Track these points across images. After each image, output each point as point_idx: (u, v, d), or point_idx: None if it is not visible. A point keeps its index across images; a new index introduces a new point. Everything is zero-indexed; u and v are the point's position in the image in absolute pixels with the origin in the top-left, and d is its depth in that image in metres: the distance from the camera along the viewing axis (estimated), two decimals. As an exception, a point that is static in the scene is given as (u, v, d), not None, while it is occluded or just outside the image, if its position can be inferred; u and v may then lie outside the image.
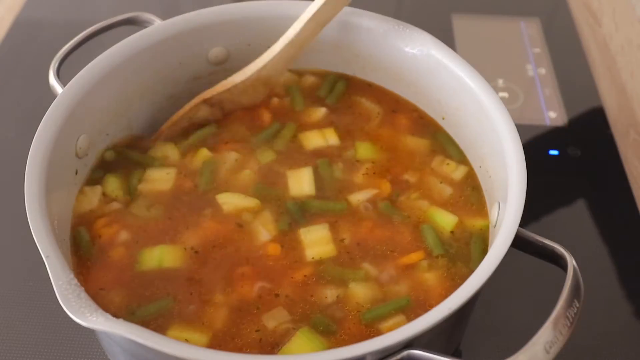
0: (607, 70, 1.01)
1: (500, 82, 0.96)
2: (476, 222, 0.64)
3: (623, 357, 0.69)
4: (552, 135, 0.90)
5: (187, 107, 0.72)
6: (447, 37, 0.94)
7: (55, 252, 0.52)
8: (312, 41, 0.72)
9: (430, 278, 0.59)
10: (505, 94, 0.95)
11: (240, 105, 0.73)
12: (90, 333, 0.67)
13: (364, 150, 0.70)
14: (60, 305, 0.49)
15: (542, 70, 0.98)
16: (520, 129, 0.61)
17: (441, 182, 0.67)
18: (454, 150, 0.70)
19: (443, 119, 0.71)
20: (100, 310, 0.49)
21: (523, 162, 0.58)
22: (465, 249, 0.62)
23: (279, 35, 0.72)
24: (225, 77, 0.73)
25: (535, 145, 0.89)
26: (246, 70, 0.72)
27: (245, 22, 0.73)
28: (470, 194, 0.66)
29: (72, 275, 0.51)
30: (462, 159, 0.69)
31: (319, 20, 0.70)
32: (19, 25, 1.05)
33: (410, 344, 0.49)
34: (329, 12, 0.69)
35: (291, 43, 0.70)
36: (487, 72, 0.90)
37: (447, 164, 0.68)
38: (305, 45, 0.72)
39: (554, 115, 0.92)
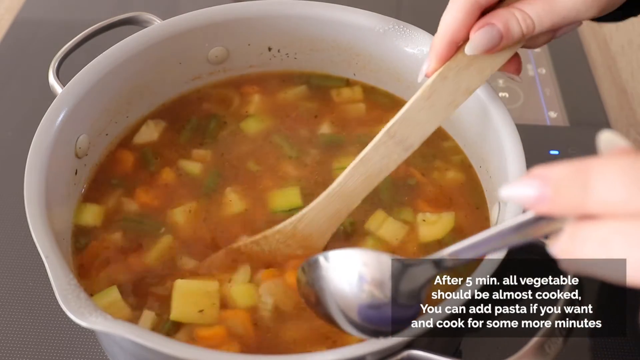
0: (608, 70, 1.01)
1: (501, 82, 0.96)
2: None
3: (623, 356, 0.69)
4: (552, 135, 0.90)
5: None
6: (447, 37, 0.94)
7: (55, 252, 0.52)
8: (365, 194, 0.59)
9: None
10: (505, 94, 0.95)
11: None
12: (90, 333, 0.67)
13: None
14: (60, 305, 0.49)
15: (543, 70, 0.97)
16: (521, 128, 0.61)
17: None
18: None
19: (443, 119, 0.71)
20: (99, 311, 0.49)
21: (523, 162, 0.58)
22: None
23: (279, 35, 0.71)
24: (225, 77, 0.73)
25: (536, 145, 0.88)
26: (284, 223, 0.60)
27: (245, 22, 0.73)
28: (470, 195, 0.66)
29: (71, 275, 0.51)
30: (462, 160, 0.69)
31: (369, 168, 0.58)
32: (19, 25, 1.04)
33: (410, 344, 0.49)
34: (381, 160, 0.58)
35: (333, 195, 0.59)
36: (488, 72, 0.90)
37: (446, 169, 0.68)
38: (356, 199, 0.59)
39: (554, 115, 0.92)
